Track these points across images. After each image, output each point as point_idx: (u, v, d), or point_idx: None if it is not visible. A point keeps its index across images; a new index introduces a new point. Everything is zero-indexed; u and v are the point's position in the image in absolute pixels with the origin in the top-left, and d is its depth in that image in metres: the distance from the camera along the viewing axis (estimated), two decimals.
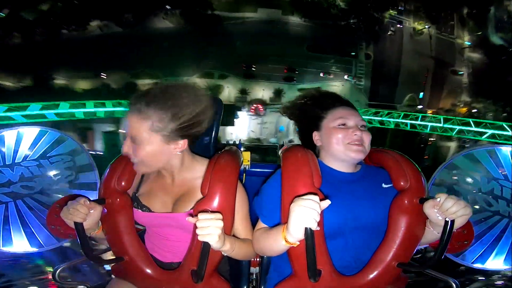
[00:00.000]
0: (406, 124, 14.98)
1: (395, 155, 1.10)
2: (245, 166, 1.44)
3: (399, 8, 23.94)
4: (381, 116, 15.19)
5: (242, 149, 1.46)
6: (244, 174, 1.45)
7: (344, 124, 1.07)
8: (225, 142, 1.53)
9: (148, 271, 1.05)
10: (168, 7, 21.35)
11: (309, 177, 0.96)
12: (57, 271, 1.12)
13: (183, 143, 1.01)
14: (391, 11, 23.71)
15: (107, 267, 1.20)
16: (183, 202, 1.04)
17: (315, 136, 1.15)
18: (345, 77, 21.17)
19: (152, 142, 0.96)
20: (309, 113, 1.16)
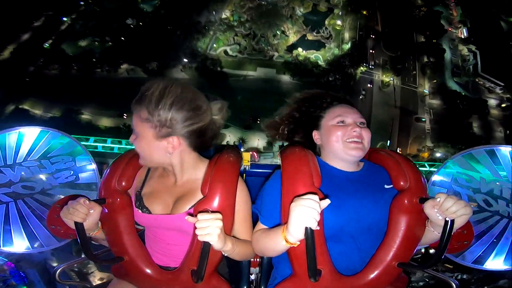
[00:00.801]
0: None
1: (395, 155, 1.10)
2: (245, 166, 1.44)
3: (370, 66, 28.05)
4: None
5: (242, 149, 1.47)
6: (244, 175, 1.45)
7: (342, 122, 1.08)
8: (225, 143, 1.53)
9: (148, 271, 1.05)
10: (185, 60, 26.21)
11: (309, 177, 0.96)
12: (57, 271, 1.12)
13: (177, 141, 0.99)
14: (362, 68, 27.67)
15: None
16: (182, 203, 1.04)
17: (315, 135, 1.15)
18: None
19: (144, 135, 0.99)
20: (308, 114, 1.17)
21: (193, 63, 26.29)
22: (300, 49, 28.89)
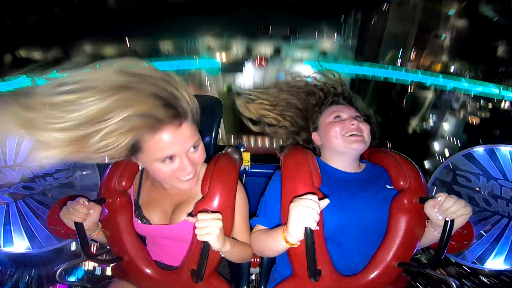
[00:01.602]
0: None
1: (395, 155, 1.10)
2: (245, 166, 1.44)
3: None
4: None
5: (242, 149, 1.47)
6: (244, 175, 1.45)
7: (339, 117, 1.09)
8: (225, 144, 1.53)
9: (148, 271, 1.05)
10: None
11: (309, 177, 0.96)
12: (58, 271, 1.12)
13: None
14: None
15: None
16: (182, 211, 1.02)
17: (314, 136, 1.16)
18: (335, 38, 22.42)
19: (200, 143, 0.93)
20: (305, 120, 1.18)
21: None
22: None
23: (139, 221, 1.05)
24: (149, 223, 1.04)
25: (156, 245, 1.12)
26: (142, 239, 1.11)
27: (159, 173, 0.89)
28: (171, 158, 0.86)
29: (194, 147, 0.89)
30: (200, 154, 0.92)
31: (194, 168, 0.91)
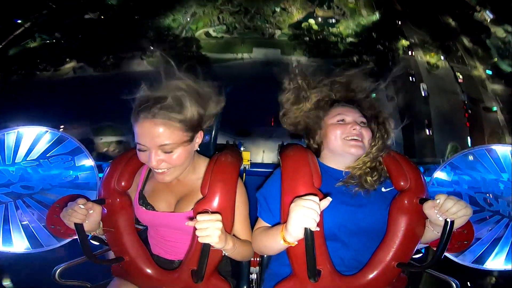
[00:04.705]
0: None
1: (395, 155, 1.10)
2: (245, 166, 1.44)
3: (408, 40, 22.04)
4: None
5: (242, 148, 1.47)
6: (244, 174, 1.45)
7: (342, 120, 1.08)
8: (225, 142, 1.53)
9: (148, 271, 1.05)
10: (151, 48, 19.58)
11: (309, 177, 0.96)
12: (57, 271, 1.12)
13: (201, 134, 1.03)
14: (403, 42, 21.39)
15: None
16: (185, 202, 1.05)
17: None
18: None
19: (185, 144, 0.96)
20: (310, 116, 1.15)
21: (160, 47, 18.97)
22: (312, 21, 21.71)
23: (144, 208, 1.07)
24: (154, 209, 1.06)
25: (157, 237, 1.13)
26: (142, 239, 1.11)
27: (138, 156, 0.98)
28: (143, 150, 0.94)
29: (166, 152, 0.93)
30: (174, 159, 0.94)
31: (160, 164, 0.94)
